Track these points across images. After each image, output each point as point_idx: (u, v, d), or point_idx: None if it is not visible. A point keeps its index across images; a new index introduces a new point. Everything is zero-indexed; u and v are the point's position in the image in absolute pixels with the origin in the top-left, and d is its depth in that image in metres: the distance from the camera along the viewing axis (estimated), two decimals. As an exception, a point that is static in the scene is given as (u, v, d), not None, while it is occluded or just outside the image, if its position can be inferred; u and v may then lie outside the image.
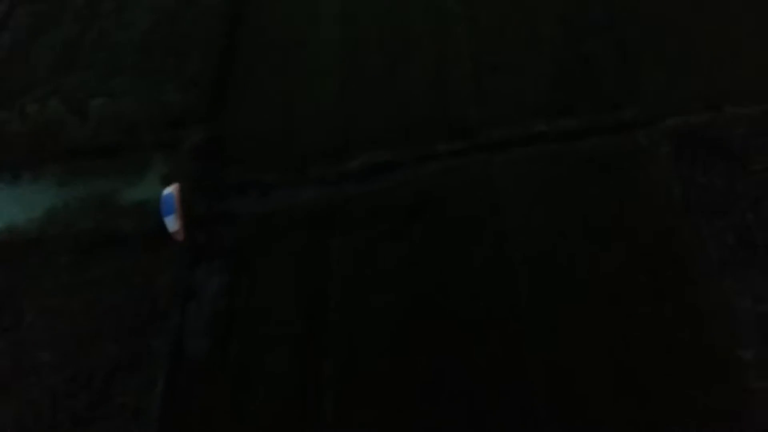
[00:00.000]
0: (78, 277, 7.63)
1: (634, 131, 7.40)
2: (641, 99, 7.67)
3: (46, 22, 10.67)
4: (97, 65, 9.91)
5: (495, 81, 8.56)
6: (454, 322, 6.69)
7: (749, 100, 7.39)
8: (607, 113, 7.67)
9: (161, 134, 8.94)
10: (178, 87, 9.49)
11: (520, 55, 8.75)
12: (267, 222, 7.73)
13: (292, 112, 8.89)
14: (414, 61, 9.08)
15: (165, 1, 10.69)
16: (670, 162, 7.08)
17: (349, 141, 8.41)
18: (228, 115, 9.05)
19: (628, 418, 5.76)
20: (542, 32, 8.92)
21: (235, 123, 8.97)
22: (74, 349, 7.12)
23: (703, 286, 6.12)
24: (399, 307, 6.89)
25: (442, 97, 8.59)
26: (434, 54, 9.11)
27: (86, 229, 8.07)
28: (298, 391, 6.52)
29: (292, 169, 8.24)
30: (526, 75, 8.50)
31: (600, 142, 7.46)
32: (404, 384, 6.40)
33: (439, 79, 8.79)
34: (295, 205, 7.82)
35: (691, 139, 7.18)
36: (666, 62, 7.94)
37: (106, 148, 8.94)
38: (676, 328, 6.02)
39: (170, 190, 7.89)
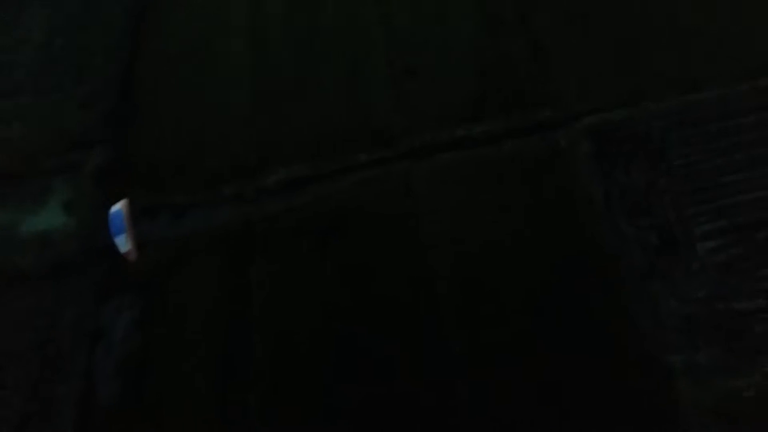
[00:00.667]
0: (-27, 325, 7.02)
1: (552, 132, 7.23)
2: (557, 98, 7.51)
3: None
4: (-15, 87, 9.19)
5: (413, 85, 8.28)
6: (379, 341, 6.40)
7: (667, 93, 7.31)
8: (525, 114, 7.49)
9: (61, 158, 8.32)
10: (77, 106, 8.86)
11: (437, 57, 8.48)
12: (181, 248, 7.25)
13: (203, 127, 8.40)
14: (328, 67, 8.71)
15: (61, 14, 9.98)
16: (590, 162, 6.94)
17: (265, 155, 7.99)
18: (133, 134, 8.49)
19: (553, 429, 5.60)
20: (457, 30, 8.68)
21: (141, 142, 8.42)
22: (-26, 405, 6.53)
23: (629, 291, 6.00)
24: (322, 330, 6.55)
25: (359, 104, 8.25)
26: (349, 59, 8.76)
27: (-19, 268, 7.43)
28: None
29: (205, 189, 7.78)
30: (443, 77, 8.24)
31: (520, 144, 7.27)
32: (329, 411, 6.08)
33: (355, 85, 8.45)
34: (210, 227, 7.36)
35: (610, 137, 7.06)
36: (579, 57, 7.79)
37: (1, 177, 8.26)
38: (603, 336, 5.88)
39: (118, 207, 7.20)
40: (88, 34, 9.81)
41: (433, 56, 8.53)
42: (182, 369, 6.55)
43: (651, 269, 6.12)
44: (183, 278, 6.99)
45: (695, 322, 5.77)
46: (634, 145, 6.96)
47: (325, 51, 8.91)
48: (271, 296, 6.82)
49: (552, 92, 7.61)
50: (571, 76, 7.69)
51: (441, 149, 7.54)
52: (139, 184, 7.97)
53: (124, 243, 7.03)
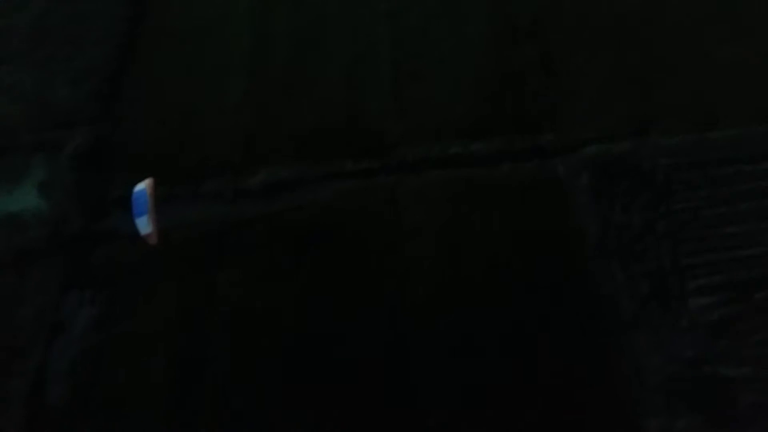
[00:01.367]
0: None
1: (552, 158, 6.81)
2: (562, 121, 7.07)
3: None
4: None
5: (416, 91, 7.86)
6: (349, 367, 6.09)
7: (678, 128, 6.85)
8: (526, 136, 7.06)
9: (43, 135, 8.02)
10: (67, 81, 8.54)
11: (444, 62, 8.05)
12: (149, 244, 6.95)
13: (192, 115, 8.06)
14: (329, 63, 8.30)
15: (64, -20, 9.63)
16: (589, 195, 6.52)
17: (252, 153, 7.65)
18: (120, 117, 8.17)
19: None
20: (468, 36, 8.22)
21: (128, 125, 8.10)
22: None
23: (614, 344, 5.61)
24: (290, 342, 6.25)
25: (357, 106, 7.85)
26: (352, 56, 8.34)
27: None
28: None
29: (185, 183, 7.46)
30: (447, 86, 7.82)
31: (516, 168, 6.86)
32: (290, 417, 5.82)
33: (355, 85, 8.05)
34: (183, 225, 7.05)
35: (612, 170, 6.63)
36: (589, 78, 7.33)
37: (-22, 149, 7.99)
38: (578, 387, 5.52)
39: (142, 186, 6.74)
40: (90, 4, 9.47)
41: (440, 61, 8.10)
42: (139, 372, 6.29)
43: (637, 320, 5.73)
44: (148, 277, 6.70)
45: (678, 384, 5.39)
46: (637, 182, 6.53)
47: (328, 45, 8.50)
48: (238, 304, 6.52)
49: (557, 115, 7.17)
50: (579, 100, 7.23)
51: (433, 165, 7.15)
52: (118, 171, 7.67)
53: (145, 225, 6.59)
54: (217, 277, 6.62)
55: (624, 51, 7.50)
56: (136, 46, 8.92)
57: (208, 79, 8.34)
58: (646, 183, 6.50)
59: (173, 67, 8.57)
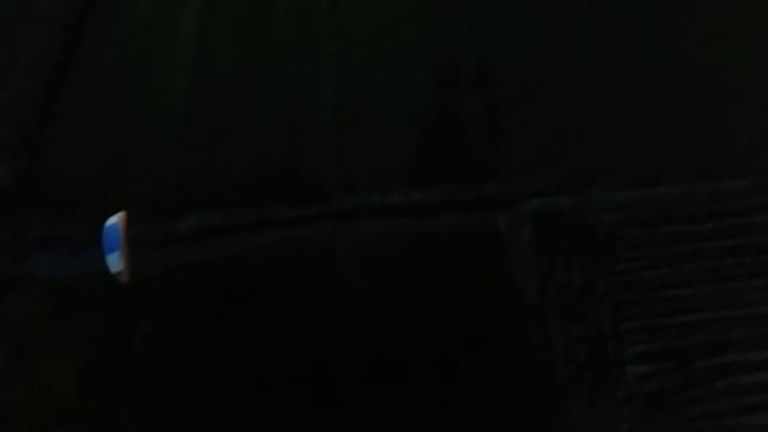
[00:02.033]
0: None
1: (493, 211, 6.57)
2: (505, 173, 6.86)
3: None
4: None
5: (358, 137, 7.59)
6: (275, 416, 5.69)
7: (621, 183, 6.69)
8: (468, 186, 6.82)
9: (-40, 171, 7.52)
10: (-10, 111, 8.07)
11: (388, 108, 7.82)
12: (65, 293, 6.48)
13: (122, 154, 7.65)
14: (269, 103, 8.02)
15: (-4, 4, 9.22)
16: (529, 251, 6.28)
17: (183, 196, 7.25)
18: (44, 152, 7.72)
19: None
20: (414, 82, 8.03)
21: (52, 161, 7.65)
22: None
23: (546, 416, 5.32)
24: (206, 403, 5.82)
25: (296, 150, 7.55)
26: (294, 96, 8.07)
27: None
28: None
29: (107, 225, 7.01)
30: (391, 132, 7.58)
31: (457, 221, 6.60)
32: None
33: (295, 128, 7.75)
34: (103, 271, 6.58)
35: (553, 226, 6.42)
36: (534, 129, 7.16)
37: None
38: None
39: (114, 220, 6.31)
40: (21, 29, 9.05)
41: (384, 106, 7.87)
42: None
43: (573, 387, 5.45)
44: (59, 330, 6.22)
45: (614, 460, 5.11)
46: (578, 239, 6.32)
47: (269, 83, 8.22)
48: (156, 361, 6.07)
49: (500, 166, 6.96)
50: (522, 150, 7.04)
51: (373, 214, 6.85)
52: (38, 211, 7.20)
53: (116, 262, 6.16)
54: (134, 332, 6.15)
55: (570, 102, 7.38)
56: (69, 74, 8.52)
57: (142, 115, 7.97)
58: (588, 240, 6.29)
59: (106, 101, 8.18)
